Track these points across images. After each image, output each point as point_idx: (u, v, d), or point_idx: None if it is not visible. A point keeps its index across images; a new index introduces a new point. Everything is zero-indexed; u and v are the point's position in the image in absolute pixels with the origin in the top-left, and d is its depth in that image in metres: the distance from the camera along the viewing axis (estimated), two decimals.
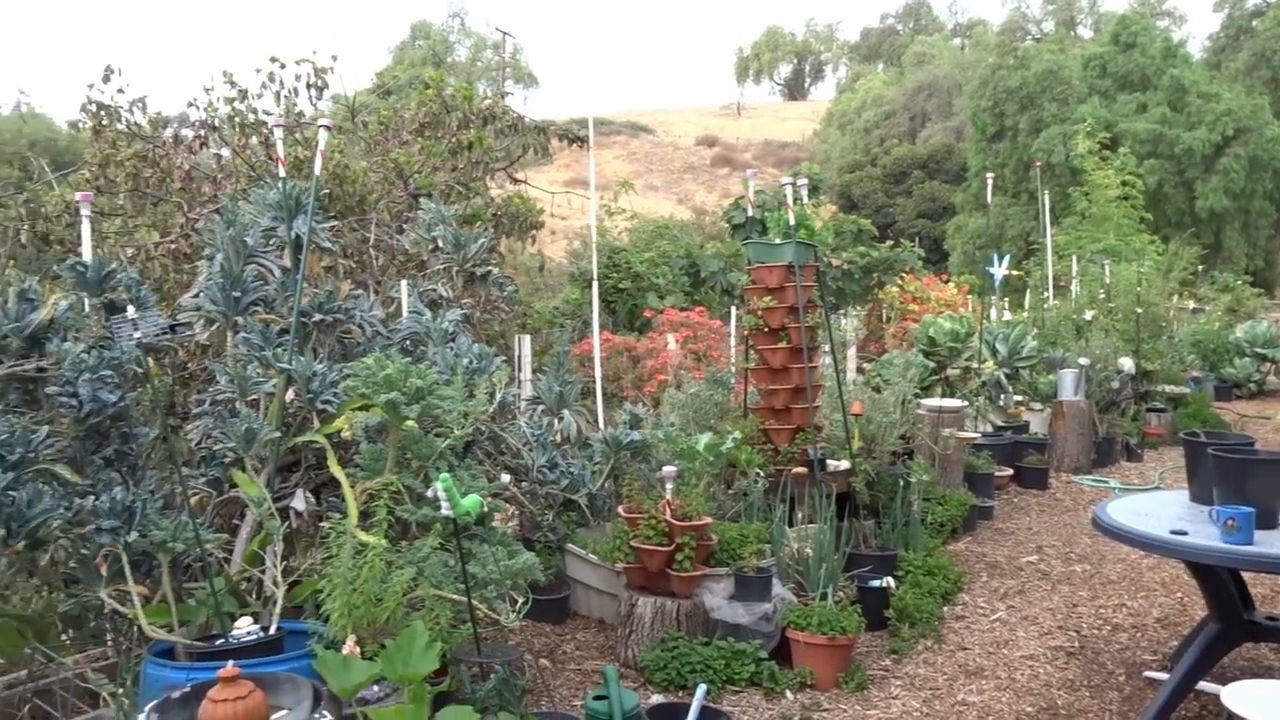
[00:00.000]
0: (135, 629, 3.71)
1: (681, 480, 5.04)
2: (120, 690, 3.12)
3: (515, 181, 9.89)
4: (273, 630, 3.40)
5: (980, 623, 5.31)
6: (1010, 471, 8.76)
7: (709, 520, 4.72)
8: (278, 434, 4.00)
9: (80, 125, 9.84)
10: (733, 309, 8.80)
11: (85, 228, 4.20)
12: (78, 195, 4.33)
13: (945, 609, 5.45)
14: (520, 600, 3.74)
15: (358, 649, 3.16)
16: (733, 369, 7.78)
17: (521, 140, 9.18)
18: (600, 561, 5.03)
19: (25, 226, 8.00)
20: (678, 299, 11.86)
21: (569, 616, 5.16)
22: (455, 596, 3.54)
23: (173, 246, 6.83)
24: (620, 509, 4.91)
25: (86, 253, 4.21)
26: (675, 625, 4.48)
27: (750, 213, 8.35)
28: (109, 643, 4.09)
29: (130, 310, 3.42)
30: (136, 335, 3.28)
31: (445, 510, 3.17)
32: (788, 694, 4.32)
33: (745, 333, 6.55)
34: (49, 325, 3.85)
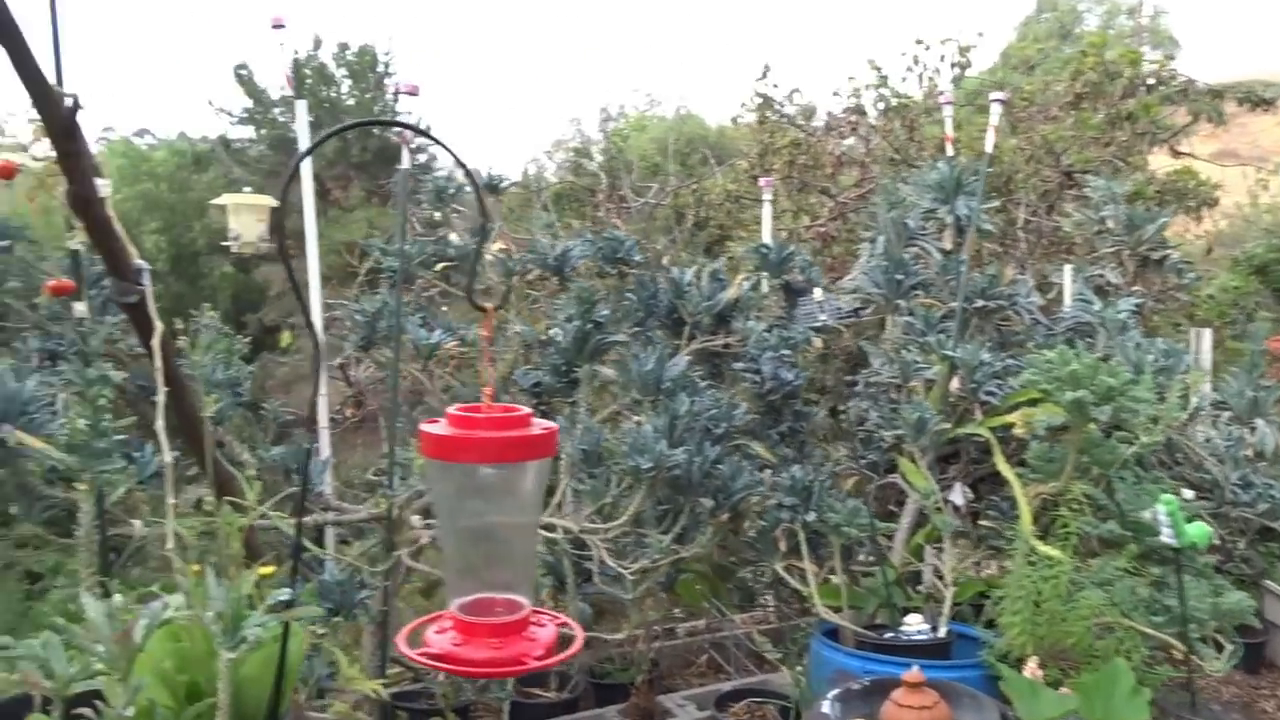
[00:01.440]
0: (798, 602, 3.82)
1: None
2: (799, 668, 3.18)
3: (1177, 154, 8.72)
4: (941, 632, 3.23)
5: None
6: None
7: None
8: (947, 424, 3.82)
9: (735, 120, 10.71)
10: None
11: (766, 211, 4.39)
12: (761, 181, 4.56)
13: None
14: (1229, 647, 3.14)
15: (1040, 672, 2.86)
16: None
17: (1193, 106, 8.04)
18: None
19: (691, 213, 8.88)
20: None
21: (1264, 666, 4.32)
22: (1146, 629, 3.07)
23: (821, 230, 7.06)
24: None
25: (766, 235, 4.41)
26: None
27: None
28: (770, 610, 4.29)
29: (817, 292, 3.46)
30: (823, 317, 3.30)
31: (1166, 536, 2.72)
32: None
33: None
34: (734, 304, 4.09)
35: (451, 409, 1.14)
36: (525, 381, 3.73)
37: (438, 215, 4.46)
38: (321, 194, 15.14)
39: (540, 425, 1.13)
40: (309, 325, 1.47)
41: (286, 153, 13.96)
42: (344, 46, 15.16)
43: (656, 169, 13.25)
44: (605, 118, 16.66)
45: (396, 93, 15.50)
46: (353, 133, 14.02)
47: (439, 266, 3.98)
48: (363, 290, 6.21)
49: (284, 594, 1.06)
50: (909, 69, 8.37)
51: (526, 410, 1.14)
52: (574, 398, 3.41)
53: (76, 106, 1.51)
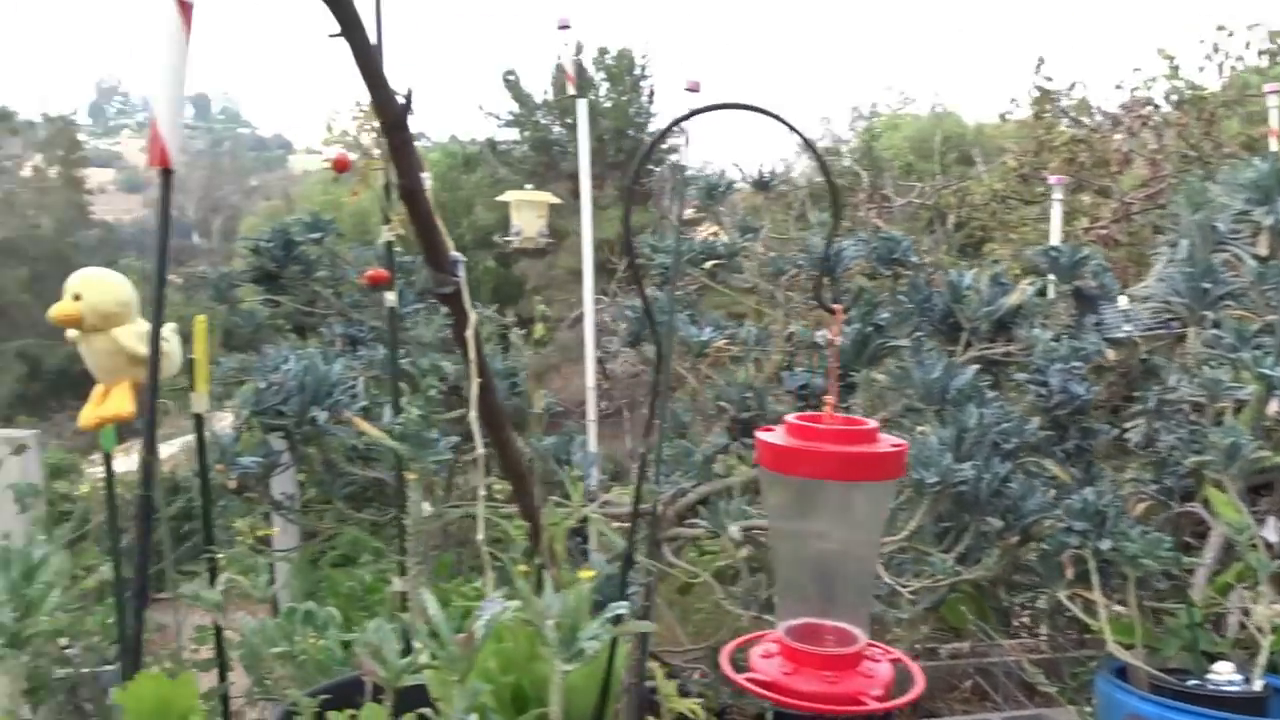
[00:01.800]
0: (1076, 632, 3.53)
1: None
2: (1088, 709, 2.93)
3: None
4: (1257, 685, 2.87)
5: None
6: None
7: None
8: (1265, 451, 3.42)
9: (1005, 116, 10.14)
10: None
11: (1056, 211, 4.09)
12: (1051, 179, 4.25)
13: None
14: None
15: None
16: None
17: None
18: None
19: (953, 213, 8.50)
20: None
21: None
22: None
23: (1103, 232, 6.56)
24: None
25: (1055, 236, 4.11)
26: None
27: None
28: (1042, 639, 4.01)
29: (1122, 300, 3.18)
30: (1128, 328, 3.02)
31: None
32: None
33: None
34: (1016, 310, 3.84)
35: (790, 417, 1.07)
36: (792, 383, 3.64)
37: (688, 213, 4.45)
38: (576, 193, 15.68)
39: (889, 442, 1.04)
40: (650, 323, 1.45)
41: (548, 154, 14.54)
42: (603, 51, 15.61)
43: (910, 167, 12.77)
44: (856, 116, 16.29)
45: (652, 93, 15.82)
46: (609, 133, 14.41)
47: (708, 264, 3.96)
48: (621, 286, 6.30)
49: (620, 607, 1.03)
50: (1206, 58, 7.64)
51: (872, 423, 1.06)
52: (848, 403, 3.29)
53: (409, 101, 1.56)
